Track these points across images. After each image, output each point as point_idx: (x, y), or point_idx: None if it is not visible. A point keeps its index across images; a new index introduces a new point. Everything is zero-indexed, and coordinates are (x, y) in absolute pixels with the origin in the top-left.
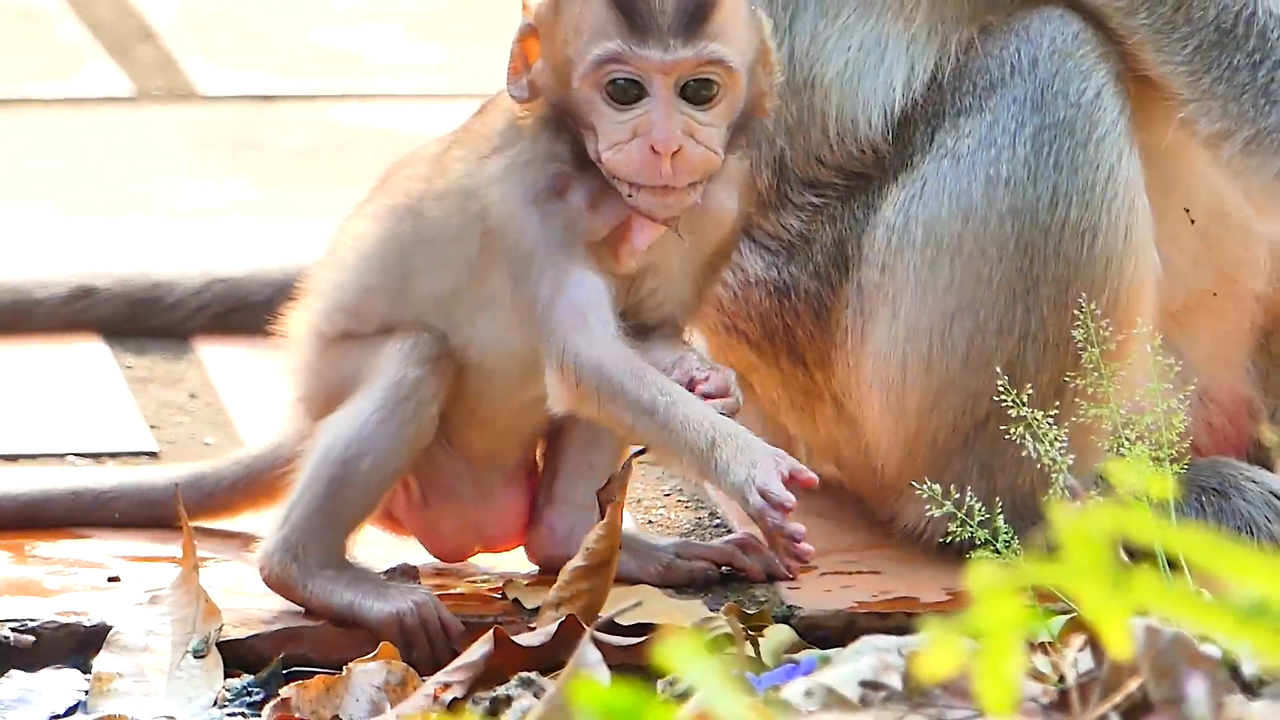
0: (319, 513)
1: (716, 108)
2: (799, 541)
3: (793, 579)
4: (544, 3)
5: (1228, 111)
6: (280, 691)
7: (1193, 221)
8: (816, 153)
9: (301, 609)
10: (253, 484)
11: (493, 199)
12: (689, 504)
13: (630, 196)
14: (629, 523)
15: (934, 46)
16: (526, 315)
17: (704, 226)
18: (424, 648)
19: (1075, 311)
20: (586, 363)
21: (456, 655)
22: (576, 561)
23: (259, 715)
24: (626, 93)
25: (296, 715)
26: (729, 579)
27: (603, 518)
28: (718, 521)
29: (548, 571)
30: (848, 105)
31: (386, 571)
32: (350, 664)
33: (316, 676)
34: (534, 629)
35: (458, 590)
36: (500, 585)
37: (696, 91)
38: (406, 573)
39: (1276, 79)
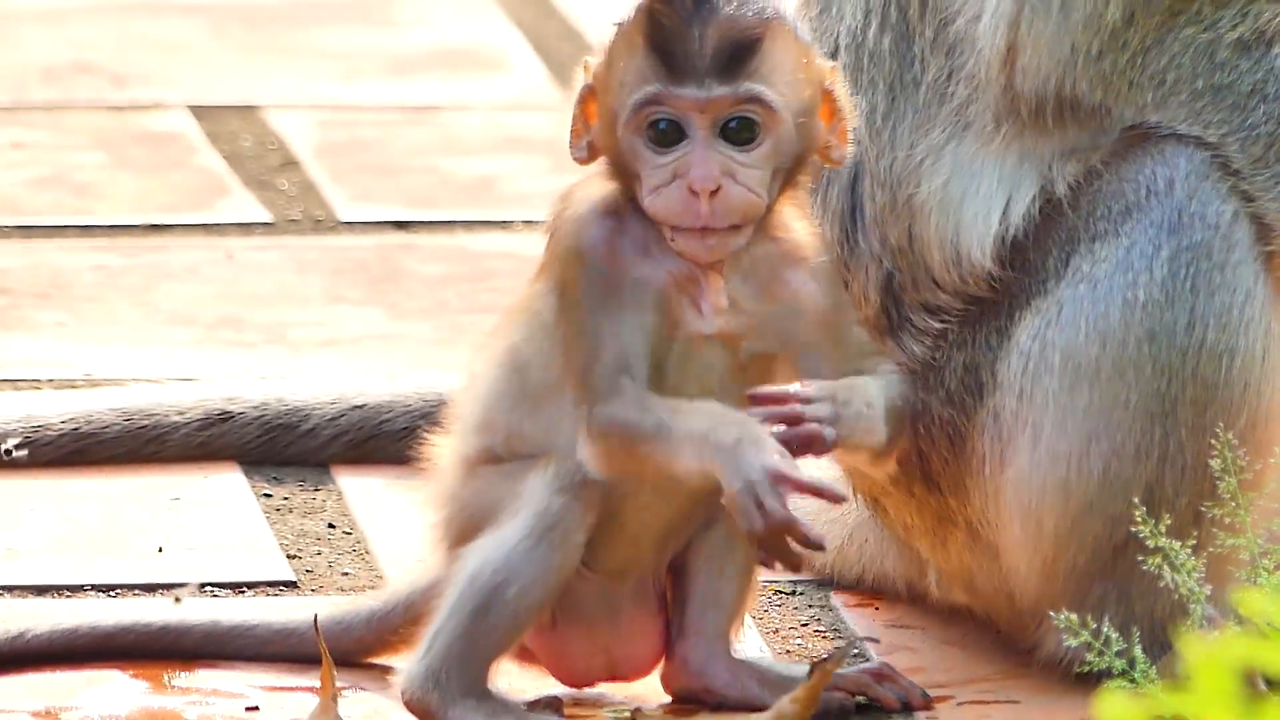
0: (462, 641)
1: (759, 149)
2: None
3: (930, 709)
4: (599, 61)
5: None
6: None
7: None
8: (927, 277)
9: None
10: (391, 625)
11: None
12: (826, 633)
13: (673, 241)
14: (766, 651)
15: (1033, 175)
16: (564, 364)
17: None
18: None
19: (1211, 440)
20: (609, 423)
21: None
22: (767, 716)
23: None
24: (667, 136)
25: None
26: (864, 709)
27: (809, 679)
28: (855, 651)
29: (683, 702)
30: (949, 229)
31: (530, 703)
32: None
33: None
34: None
35: None
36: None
37: (737, 132)
38: (550, 704)
39: None
